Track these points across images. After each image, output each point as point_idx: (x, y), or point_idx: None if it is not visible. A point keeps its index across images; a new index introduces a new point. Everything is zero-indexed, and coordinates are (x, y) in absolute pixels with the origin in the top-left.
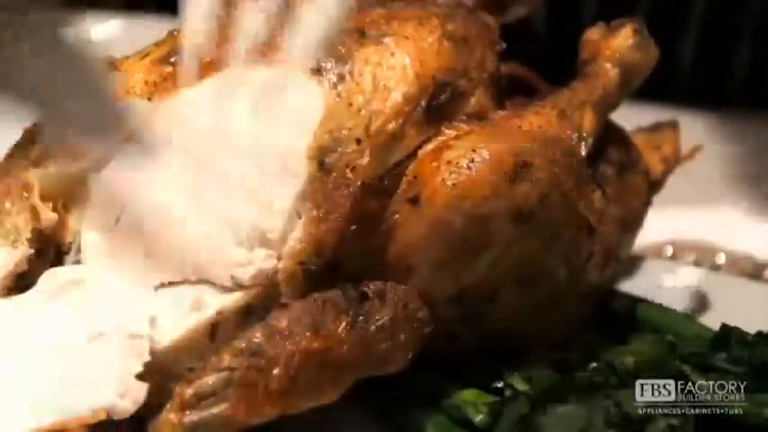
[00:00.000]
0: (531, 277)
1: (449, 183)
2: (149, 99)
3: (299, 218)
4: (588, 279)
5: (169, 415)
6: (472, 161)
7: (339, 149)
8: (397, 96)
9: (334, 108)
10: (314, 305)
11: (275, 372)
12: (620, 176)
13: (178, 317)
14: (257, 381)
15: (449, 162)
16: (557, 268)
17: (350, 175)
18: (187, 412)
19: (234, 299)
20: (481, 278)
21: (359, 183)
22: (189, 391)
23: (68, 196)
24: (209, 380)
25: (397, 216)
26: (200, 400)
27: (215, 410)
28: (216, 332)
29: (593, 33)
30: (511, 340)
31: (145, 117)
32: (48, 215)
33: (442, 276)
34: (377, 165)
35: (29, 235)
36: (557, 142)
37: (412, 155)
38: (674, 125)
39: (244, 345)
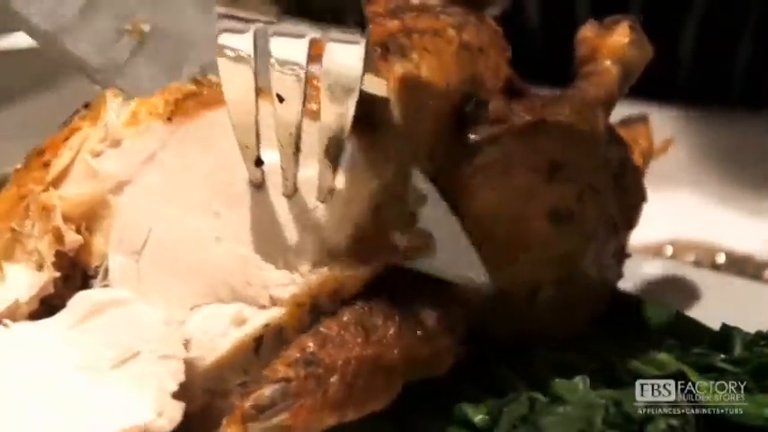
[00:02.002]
0: (568, 275)
1: (487, 188)
2: (170, 119)
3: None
4: (609, 275)
5: (229, 429)
6: (508, 165)
7: None
8: (429, 113)
9: None
10: (361, 311)
11: (333, 380)
12: (620, 173)
13: (219, 333)
14: (316, 390)
15: (484, 167)
16: (589, 266)
17: None
18: (248, 424)
19: (279, 313)
20: (522, 278)
21: None
22: (248, 404)
23: (91, 219)
24: (267, 391)
25: None
26: (259, 411)
27: (276, 420)
28: (260, 347)
29: (587, 31)
30: (537, 337)
31: (166, 138)
32: (72, 237)
33: None
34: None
35: (53, 258)
36: (580, 142)
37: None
38: (644, 119)
39: (298, 354)
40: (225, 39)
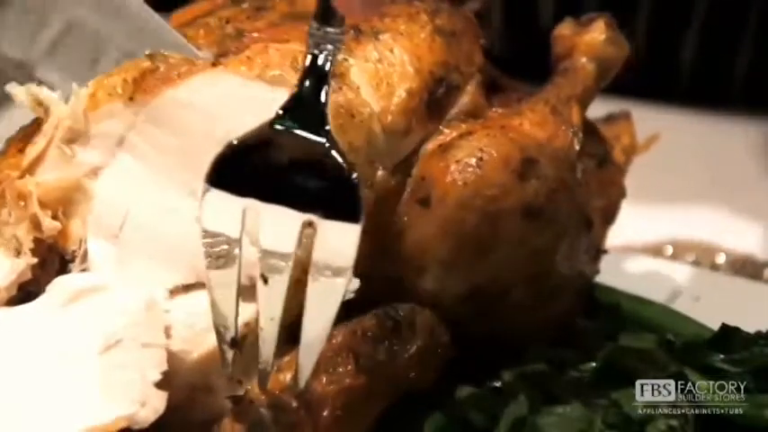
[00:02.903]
0: (539, 272)
1: (460, 182)
2: (131, 99)
3: None
4: (583, 272)
5: None
6: (481, 160)
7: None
8: (401, 93)
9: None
10: (352, 335)
11: (325, 413)
12: (599, 169)
13: (204, 328)
14: (306, 422)
15: (457, 161)
16: (561, 262)
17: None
18: None
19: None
20: (493, 275)
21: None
22: (239, 428)
23: (67, 204)
24: (258, 416)
25: (406, 218)
26: None
27: None
28: (244, 342)
29: (564, 29)
30: (513, 334)
31: (131, 120)
32: (49, 224)
33: (455, 275)
34: (389, 160)
35: (31, 245)
36: (555, 139)
37: (414, 153)
38: (626, 116)
39: (290, 380)
40: (211, 218)
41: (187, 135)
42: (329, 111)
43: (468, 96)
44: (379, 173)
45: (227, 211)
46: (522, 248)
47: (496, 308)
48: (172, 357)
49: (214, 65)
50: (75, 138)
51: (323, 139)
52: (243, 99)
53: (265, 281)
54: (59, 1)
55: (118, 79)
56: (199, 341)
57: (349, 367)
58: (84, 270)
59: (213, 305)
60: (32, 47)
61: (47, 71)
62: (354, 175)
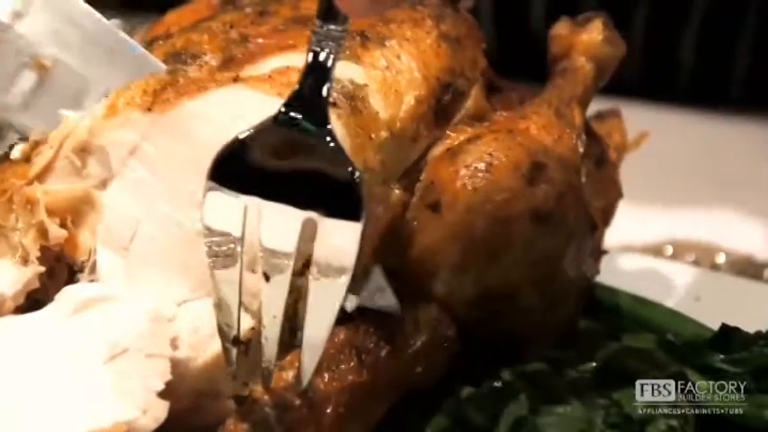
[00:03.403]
0: (547, 275)
1: (470, 187)
2: (149, 110)
3: None
4: (586, 274)
5: None
6: (491, 165)
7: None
8: (410, 100)
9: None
10: (354, 332)
11: (328, 411)
12: (598, 169)
13: (209, 334)
14: (310, 420)
15: (467, 166)
16: (569, 265)
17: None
18: None
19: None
20: (503, 279)
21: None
22: (243, 427)
23: (75, 213)
24: (263, 416)
25: (415, 222)
26: None
27: None
28: (248, 349)
29: (561, 28)
30: (520, 337)
31: (147, 129)
32: (57, 232)
33: (464, 279)
34: (398, 169)
35: (38, 253)
36: (560, 142)
37: (422, 158)
38: (617, 113)
39: (293, 378)
40: (213, 215)
41: (200, 147)
42: (330, 108)
43: (472, 100)
44: (395, 192)
45: (230, 209)
46: (532, 252)
47: (505, 311)
48: (178, 364)
49: (235, 80)
50: (87, 148)
51: (325, 137)
52: (260, 115)
53: (267, 279)
54: (34, 45)
55: (138, 90)
56: (204, 347)
57: (351, 364)
58: (92, 281)
59: (217, 303)
60: (8, 94)
61: (25, 118)
62: (356, 174)
